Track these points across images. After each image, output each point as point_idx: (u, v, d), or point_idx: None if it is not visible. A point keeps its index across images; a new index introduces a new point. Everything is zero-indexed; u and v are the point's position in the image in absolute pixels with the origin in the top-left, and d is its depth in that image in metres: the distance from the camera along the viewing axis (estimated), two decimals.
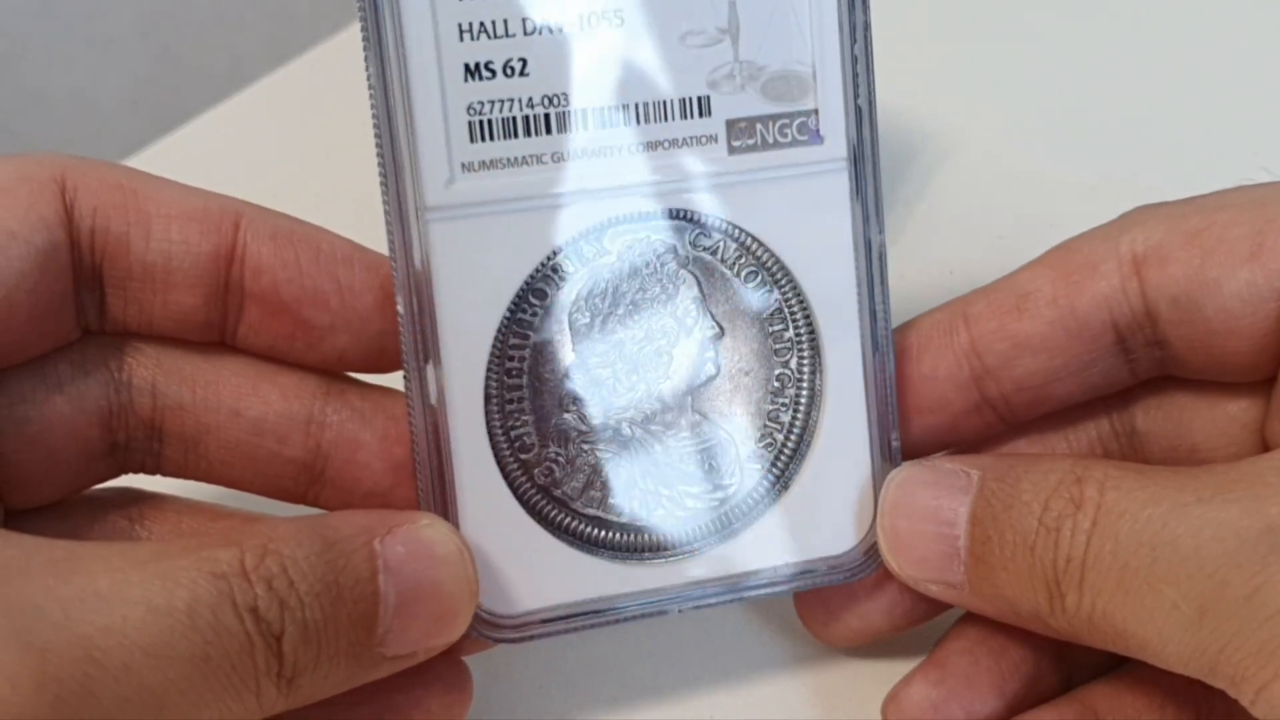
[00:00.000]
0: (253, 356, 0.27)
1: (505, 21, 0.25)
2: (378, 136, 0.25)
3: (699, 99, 0.26)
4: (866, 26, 0.26)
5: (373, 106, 0.24)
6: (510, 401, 0.26)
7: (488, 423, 0.26)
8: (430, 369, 0.25)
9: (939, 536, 0.25)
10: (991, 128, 0.32)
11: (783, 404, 0.26)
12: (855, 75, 0.26)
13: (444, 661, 0.26)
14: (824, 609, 0.28)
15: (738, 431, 0.26)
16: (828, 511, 0.27)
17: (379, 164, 0.25)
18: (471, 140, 0.25)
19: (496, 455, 0.26)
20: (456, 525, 0.25)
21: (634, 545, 0.26)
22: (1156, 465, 0.25)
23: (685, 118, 0.26)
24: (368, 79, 0.24)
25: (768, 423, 0.26)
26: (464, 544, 0.24)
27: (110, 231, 0.25)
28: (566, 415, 0.26)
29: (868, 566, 0.27)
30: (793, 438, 0.26)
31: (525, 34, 0.25)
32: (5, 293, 0.24)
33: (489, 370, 0.25)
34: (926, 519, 0.25)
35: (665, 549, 0.26)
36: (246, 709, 0.22)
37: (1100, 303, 0.26)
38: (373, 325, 0.26)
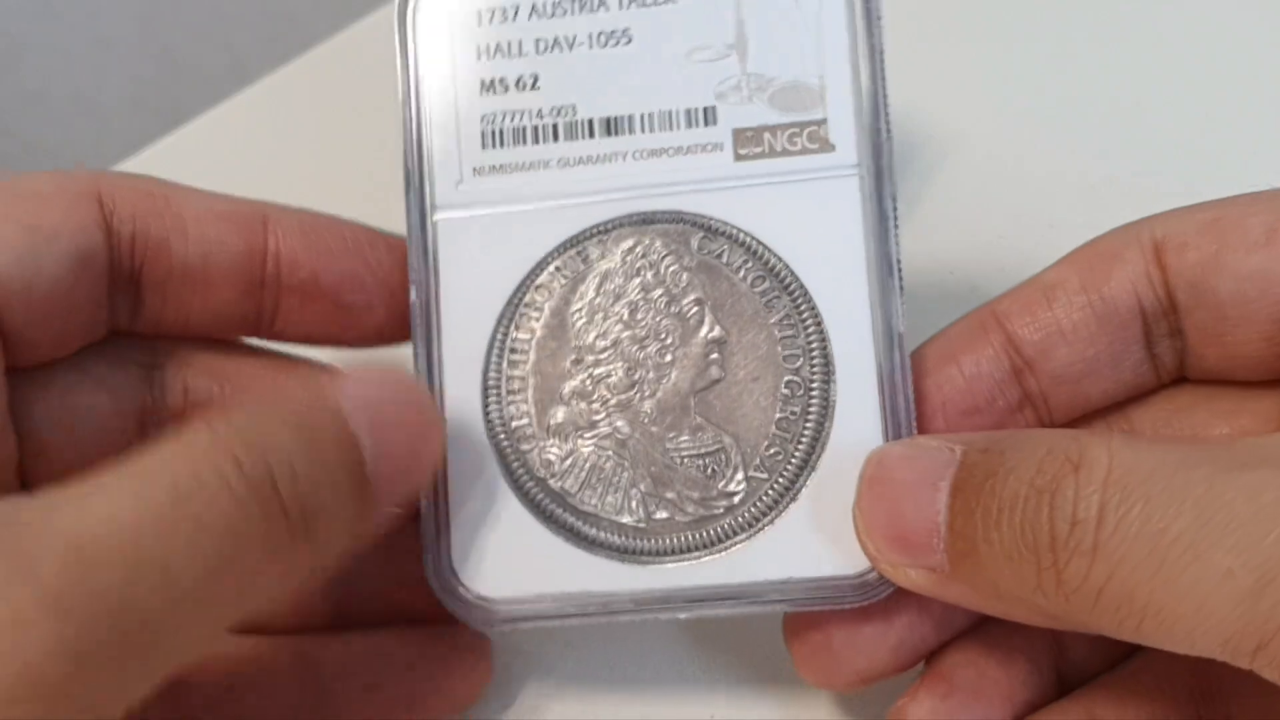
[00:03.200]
0: (271, 352, 0.29)
1: (519, 43, 0.27)
2: (404, 149, 0.27)
3: (705, 109, 0.27)
4: (876, 40, 0.26)
5: (401, 123, 0.27)
6: (512, 393, 0.26)
7: (485, 412, 0.26)
8: (434, 357, 0.26)
9: (918, 514, 0.23)
10: (991, 128, 0.32)
11: (792, 412, 0.26)
12: (864, 86, 0.26)
13: (466, 631, 0.27)
14: (825, 649, 0.26)
15: (744, 438, 0.26)
16: (838, 528, 0.25)
17: (405, 167, 0.27)
18: (484, 146, 0.27)
19: (494, 444, 0.26)
20: (447, 509, 0.26)
21: (631, 547, 0.26)
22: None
23: (691, 126, 0.27)
24: (399, 93, 0.27)
25: (776, 431, 0.26)
26: (411, 376, 0.25)
27: (150, 235, 0.27)
28: (565, 410, 0.26)
29: (879, 590, 0.25)
30: (801, 447, 0.26)
31: (538, 53, 0.27)
32: (47, 289, 0.26)
33: (489, 360, 0.26)
34: (905, 495, 0.24)
35: (663, 553, 0.26)
36: (272, 568, 0.22)
37: (1127, 287, 0.26)
38: (403, 298, 0.27)
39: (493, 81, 0.27)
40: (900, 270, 0.26)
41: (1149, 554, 0.20)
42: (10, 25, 0.39)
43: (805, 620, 0.26)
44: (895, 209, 0.26)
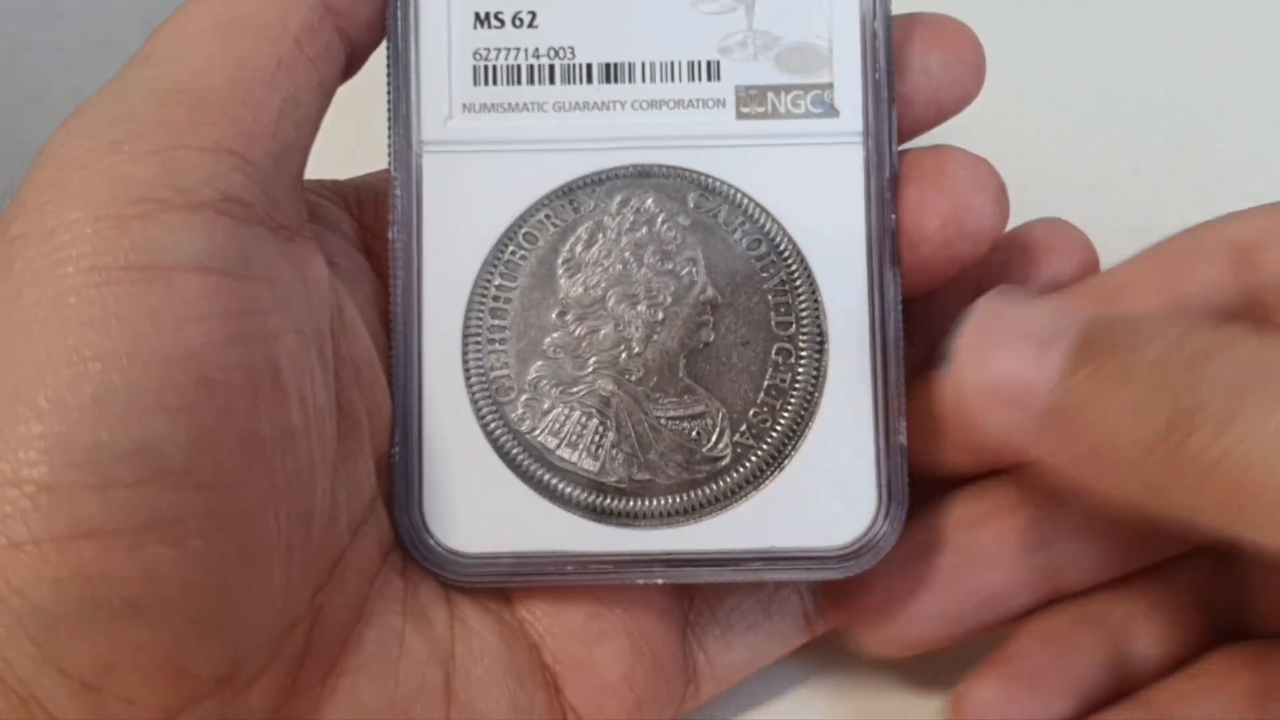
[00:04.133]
0: None
1: None
2: (388, 78, 0.26)
3: (708, 63, 0.26)
4: (887, 4, 0.25)
5: (387, 50, 0.25)
6: (493, 341, 0.25)
7: (464, 359, 0.25)
8: (413, 300, 0.25)
9: (1028, 360, 0.22)
10: (991, 129, 0.32)
11: (782, 379, 0.25)
12: (874, 51, 0.25)
13: None
14: (873, 615, 0.26)
15: (731, 403, 0.25)
16: (821, 499, 0.25)
17: (388, 104, 0.25)
18: (475, 83, 0.26)
19: (470, 393, 0.25)
20: (420, 458, 0.25)
21: (609, 508, 0.25)
22: None
23: (693, 80, 0.26)
24: (386, 26, 0.25)
25: (764, 398, 0.25)
26: None
27: None
28: (547, 364, 0.25)
29: (863, 561, 0.25)
30: (787, 415, 0.25)
31: None
32: None
33: (470, 307, 0.25)
34: (1017, 342, 0.22)
35: (643, 516, 0.25)
36: None
37: (1207, 287, 0.25)
38: None
39: (488, 15, 0.26)
40: (896, 243, 0.25)
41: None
42: (10, 25, 0.37)
43: (850, 586, 0.26)
44: (895, 180, 0.25)
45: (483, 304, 0.25)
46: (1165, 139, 0.38)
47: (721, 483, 0.25)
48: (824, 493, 0.25)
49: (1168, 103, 0.39)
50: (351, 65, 0.25)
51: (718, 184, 0.26)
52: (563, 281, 0.25)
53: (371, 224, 0.27)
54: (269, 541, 0.21)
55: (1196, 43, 0.40)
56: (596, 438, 0.25)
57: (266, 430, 0.21)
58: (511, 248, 0.25)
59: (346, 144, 0.29)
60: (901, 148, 0.26)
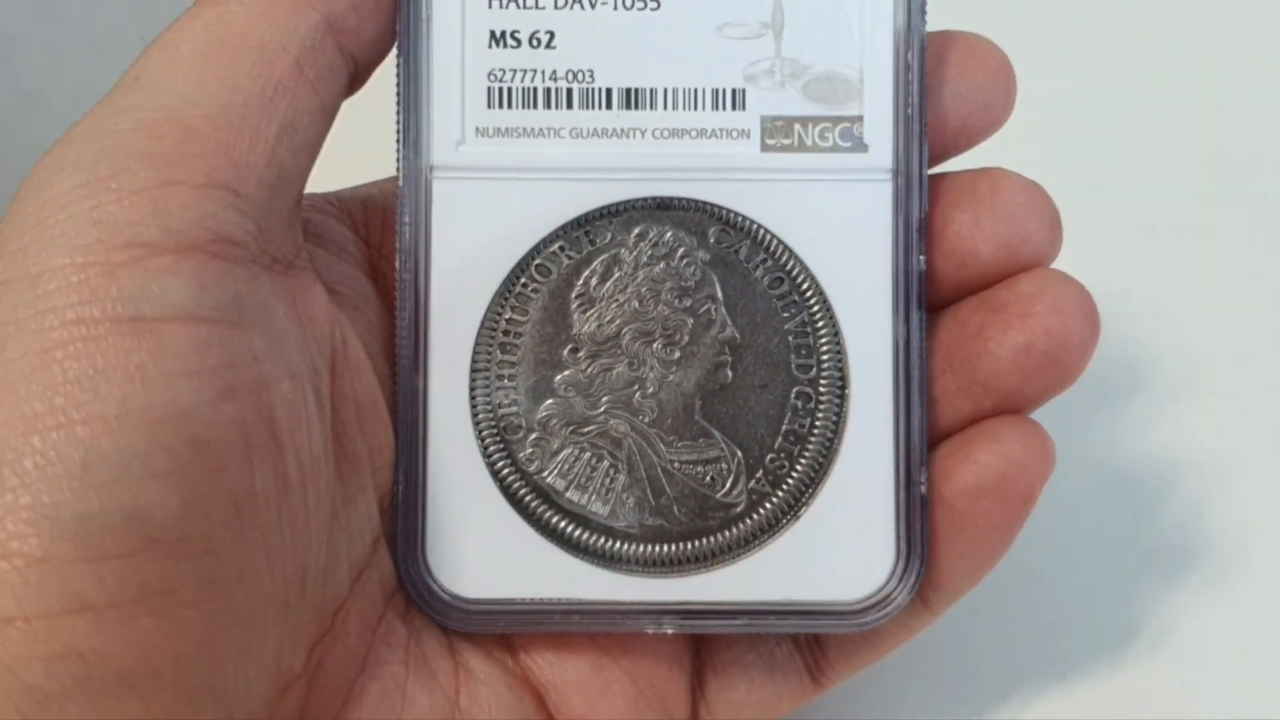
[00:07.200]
0: None
1: None
2: (399, 98, 0.24)
3: (733, 91, 0.25)
4: (923, 34, 0.24)
5: (397, 69, 0.24)
6: (502, 378, 0.24)
7: (472, 396, 0.24)
8: (420, 333, 0.24)
9: None
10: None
11: (800, 425, 0.24)
12: (907, 83, 0.24)
13: None
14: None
15: (748, 448, 0.24)
16: (837, 551, 0.24)
17: (397, 125, 0.24)
18: (489, 106, 0.25)
19: (478, 431, 0.24)
20: (425, 499, 0.24)
21: (619, 554, 0.24)
22: None
23: (717, 109, 0.25)
24: (396, 43, 0.24)
25: (783, 443, 0.24)
26: None
27: None
28: (558, 402, 0.24)
29: (879, 616, 0.24)
30: (804, 463, 0.24)
31: (556, 8, 0.25)
32: None
33: (479, 341, 0.24)
34: None
35: (653, 563, 0.24)
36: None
37: None
38: None
39: (504, 34, 0.24)
40: (924, 285, 0.24)
41: None
42: (10, 25, 0.36)
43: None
44: (925, 220, 0.24)
45: (492, 338, 0.24)
46: (1168, 139, 0.38)
47: (735, 531, 0.24)
48: (840, 544, 0.24)
49: (1171, 103, 0.39)
50: (354, 84, 0.24)
51: (740, 219, 0.25)
52: (576, 317, 0.24)
53: (378, 243, 0.26)
54: (263, 603, 0.20)
55: (1199, 44, 0.40)
56: (607, 480, 0.24)
57: (261, 487, 0.20)
58: (523, 280, 0.24)
59: (350, 154, 0.28)
60: (940, 168, 0.25)
